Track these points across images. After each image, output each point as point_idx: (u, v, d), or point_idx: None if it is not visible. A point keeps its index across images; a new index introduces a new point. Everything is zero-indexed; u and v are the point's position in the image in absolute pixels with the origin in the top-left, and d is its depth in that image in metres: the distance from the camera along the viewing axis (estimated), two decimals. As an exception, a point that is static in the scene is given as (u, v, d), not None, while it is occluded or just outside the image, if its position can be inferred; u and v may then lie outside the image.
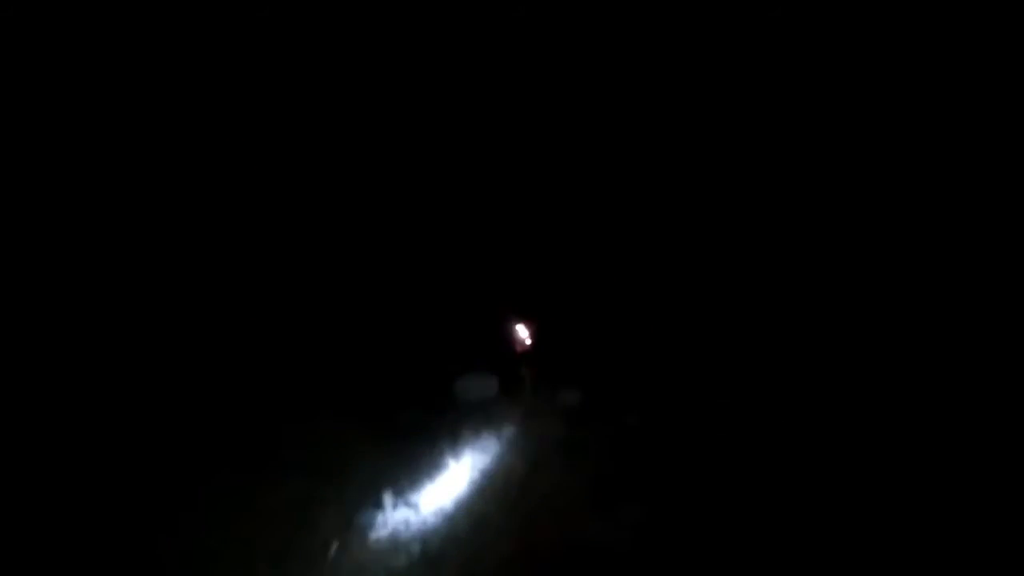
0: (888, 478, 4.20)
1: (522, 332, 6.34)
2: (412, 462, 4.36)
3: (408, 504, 3.94)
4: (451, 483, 4.12)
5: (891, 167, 5.94)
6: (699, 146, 6.45)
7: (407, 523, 3.80)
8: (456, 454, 4.36)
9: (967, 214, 5.65)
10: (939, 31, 5.52)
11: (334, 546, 3.46)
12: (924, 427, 4.68)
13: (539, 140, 6.63)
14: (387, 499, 3.95)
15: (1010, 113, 5.45)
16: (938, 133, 5.70)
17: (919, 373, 5.08)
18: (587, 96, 6.64)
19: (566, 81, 6.68)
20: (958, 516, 3.80)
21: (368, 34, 6.59)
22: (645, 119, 6.50)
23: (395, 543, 3.66)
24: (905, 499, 4.00)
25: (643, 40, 6.27)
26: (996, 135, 5.54)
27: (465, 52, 6.52)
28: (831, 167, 6.15)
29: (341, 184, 6.80)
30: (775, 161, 6.26)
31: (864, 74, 5.89)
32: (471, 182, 6.61)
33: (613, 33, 6.54)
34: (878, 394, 5.11)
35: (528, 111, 6.62)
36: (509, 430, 4.53)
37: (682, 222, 6.47)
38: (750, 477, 4.33)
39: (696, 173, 6.53)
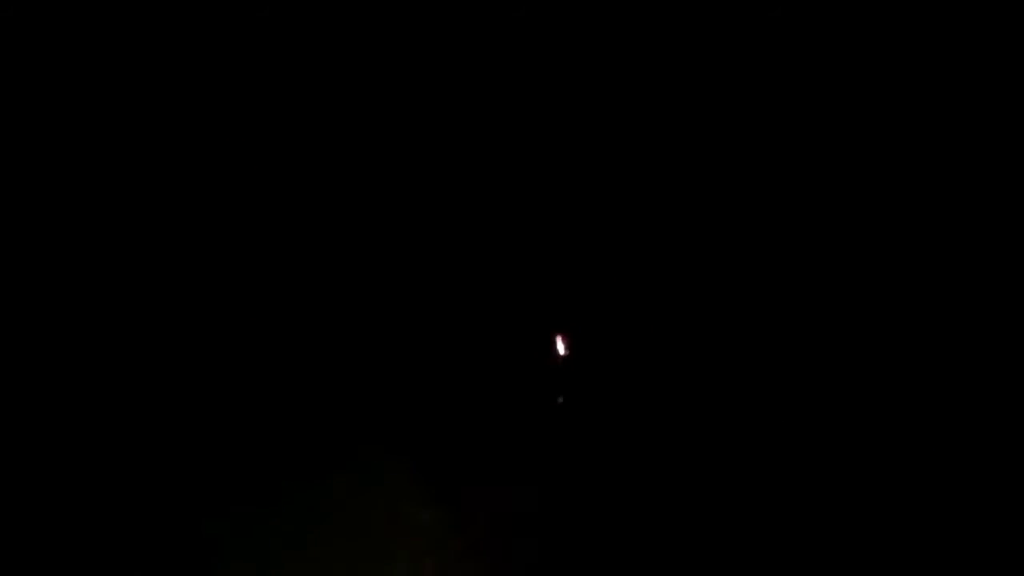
0: (885, 478, 4.38)
1: (559, 343, 6.55)
2: (457, 463, 4.56)
3: (454, 501, 4.11)
4: (492, 483, 4.30)
5: (891, 167, 6.07)
6: (711, 155, 6.54)
7: (453, 520, 3.97)
8: (497, 457, 4.54)
9: (967, 214, 5.80)
10: (939, 31, 5.66)
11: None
12: (921, 426, 4.90)
13: (581, 158, 6.72)
14: (430, 495, 4.13)
15: (1010, 113, 5.58)
16: (938, 133, 5.84)
17: (917, 373, 5.30)
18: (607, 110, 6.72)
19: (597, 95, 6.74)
20: (957, 516, 3.95)
21: (380, 36, 6.61)
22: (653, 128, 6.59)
23: (442, 538, 3.83)
24: (902, 498, 4.17)
25: (660, 45, 6.35)
26: (996, 135, 5.68)
27: (493, 67, 6.57)
28: (833, 169, 6.26)
29: (378, 197, 6.86)
30: (781, 168, 6.37)
31: (864, 74, 6.01)
32: (508, 196, 6.70)
33: (620, 34, 6.60)
34: (875, 394, 5.33)
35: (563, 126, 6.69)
36: (546, 434, 4.71)
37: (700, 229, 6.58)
38: (762, 480, 4.54)
39: (708, 181, 6.63)
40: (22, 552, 3.61)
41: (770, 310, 6.32)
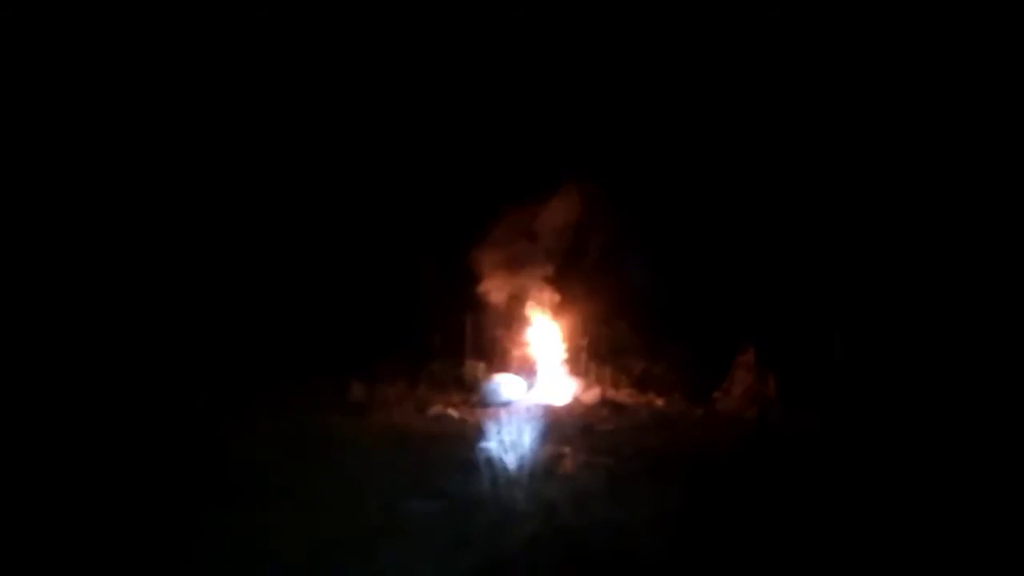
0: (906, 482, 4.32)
1: (548, 336, 6.55)
2: (447, 457, 4.58)
3: (444, 493, 4.11)
4: (481, 474, 4.31)
5: (891, 167, 6.01)
6: (705, 150, 6.49)
7: (444, 509, 3.96)
8: (485, 449, 4.54)
9: (967, 214, 5.73)
10: (939, 31, 5.61)
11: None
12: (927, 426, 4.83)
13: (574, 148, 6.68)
14: (426, 489, 4.13)
15: (1010, 113, 5.52)
16: (938, 133, 5.77)
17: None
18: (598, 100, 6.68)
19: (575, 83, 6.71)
20: (957, 515, 3.90)
21: (371, 34, 6.63)
22: (652, 122, 6.56)
23: (433, 527, 3.82)
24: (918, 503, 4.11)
25: (649, 41, 6.33)
26: (996, 135, 5.61)
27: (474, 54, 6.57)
28: (832, 167, 6.21)
29: (375, 192, 6.88)
30: (780, 163, 6.32)
31: (864, 74, 5.97)
32: (492, 183, 6.68)
33: (616, 34, 6.59)
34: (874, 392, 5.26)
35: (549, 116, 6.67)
36: (532, 426, 4.70)
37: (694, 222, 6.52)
38: (748, 469, 4.49)
39: (701, 176, 6.59)
40: (22, 551, 3.63)
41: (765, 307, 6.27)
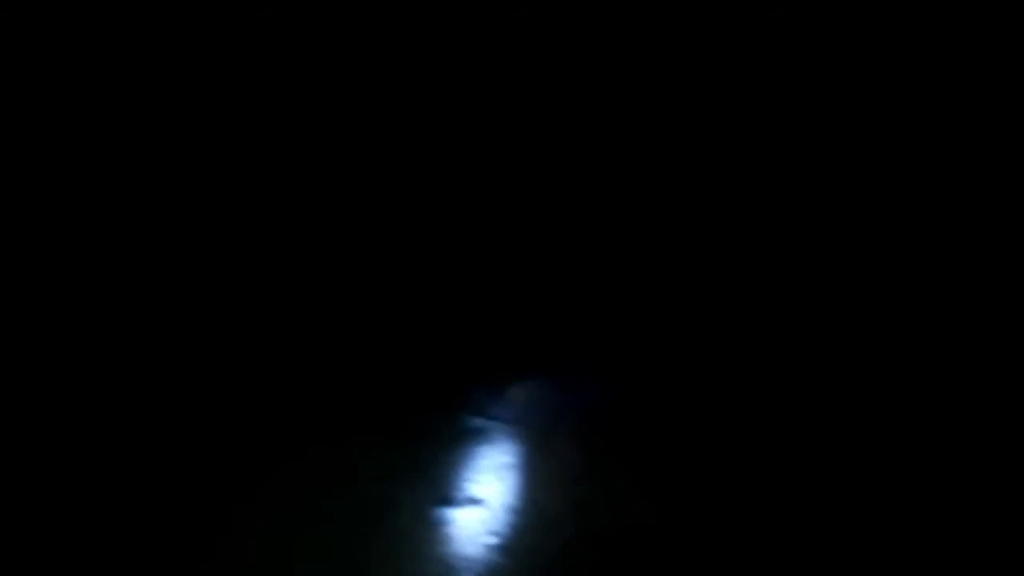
0: (894, 480, 4.43)
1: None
2: (477, 462, 4.60)
3: (476, 500, 4.13)
4: (513, 479, 4.35)
5: (891, 167, 6.13)
6: (702, 150, 6.58)
7: (477, 517, 3.99)
8: (516, 453, 4.58)
9: (967, 214, 5.87)
10: (939, 31, 5.73)
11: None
12: (923, 426, 4.96)
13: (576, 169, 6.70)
14: (456, 496, 4.15)
15: (1010, 113, 5.67)
16: (938, 133, 5.91)
17: (918, 372, 5.35)
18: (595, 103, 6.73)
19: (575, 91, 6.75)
20: (958, 516, 4.00)
21: (368, 34, 6.60)
22: (649, 122, 6.62)
23: (468, 535, 3.85)
24: (908, 500, 4.22)
25: (643, 42, 6.39)
26: (996, 135, 5.76)
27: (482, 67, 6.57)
28: (831, 167, 6.32)
29: (394, 200, 6.84)
30: (773, 162, 6.42)
31: (864, 75, 6.08)
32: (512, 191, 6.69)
33: (613, 34, 6.63)
34: (882, 394, 5.38)
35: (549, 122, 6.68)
36: (563, 429, 4.75)
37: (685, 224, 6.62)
38: (779, 470, 4.57)
39: (697, 176, 6.67)
40: (23, 551, 3.58)
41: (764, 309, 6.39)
